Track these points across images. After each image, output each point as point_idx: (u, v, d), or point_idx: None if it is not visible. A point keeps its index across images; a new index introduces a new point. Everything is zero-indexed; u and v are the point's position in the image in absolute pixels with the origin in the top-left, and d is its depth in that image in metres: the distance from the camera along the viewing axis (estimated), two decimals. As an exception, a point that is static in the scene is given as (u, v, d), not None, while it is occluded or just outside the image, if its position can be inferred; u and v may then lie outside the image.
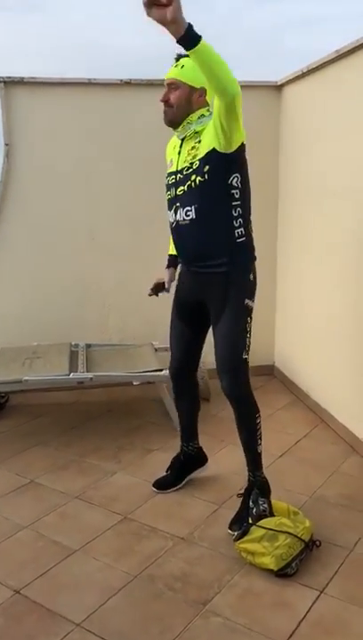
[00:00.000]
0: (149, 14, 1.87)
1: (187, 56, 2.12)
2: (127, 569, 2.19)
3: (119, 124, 3.83)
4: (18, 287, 3.91)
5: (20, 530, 2.45)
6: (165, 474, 2.81)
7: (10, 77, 3.61)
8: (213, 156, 2.21)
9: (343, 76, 3.07)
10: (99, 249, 3.97)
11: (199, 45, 1.91)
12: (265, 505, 2.32)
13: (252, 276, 2.38)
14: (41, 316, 3.95)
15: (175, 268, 2.71)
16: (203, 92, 2.31)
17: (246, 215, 2.33)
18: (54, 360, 3.43)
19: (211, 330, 2.47)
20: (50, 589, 2.09)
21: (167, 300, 4.03)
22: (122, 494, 2.73)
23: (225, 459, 3.02)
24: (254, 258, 2.41)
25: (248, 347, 2.38)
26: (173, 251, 2.65)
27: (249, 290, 2.37)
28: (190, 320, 2.58)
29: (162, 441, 3.25)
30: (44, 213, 3.85)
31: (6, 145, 3.71)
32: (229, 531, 2.40)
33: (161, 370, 3.31)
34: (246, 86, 3.74)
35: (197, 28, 1.92)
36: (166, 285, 2.73)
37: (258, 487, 2.44)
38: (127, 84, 3.76)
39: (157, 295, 2.78)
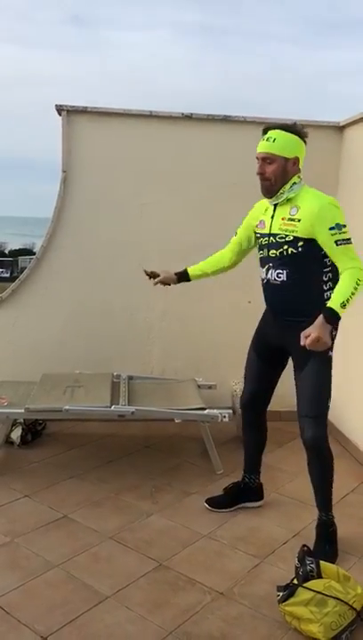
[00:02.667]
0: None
1: (274, 129, 2.41)
2: (161, 623, 2.05)
3: (176, 156, 3.82)
4: (64, 313, 3.88)
5: (51, 569, 2.33)
6: (220, 493, 2.87)
7: (73, 106, 3.65)
8: (309, 239, 2.37)
9: None
10: (148, 280, 3.90)
11: (342, 313, 2.29)
12: (313, 565, 2.15)
13: (335, 332, 2.42)
14: (84, 344, 3.89)
15: (180, 280, 2.88)
16: (296, 160, 2.44)
17: (335, 277, 2.40)
18: (96, 390, 3.35)
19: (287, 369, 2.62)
20: (78, 639, 1.96)
21: (212, 337, 3.97)
22: (158, 538, 2.59)
23: (269, 511, 2.87)
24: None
25: (330, 396, 2.51)
26: (191, 268, 2.87)
27: (332, 342, 2.42)
28: (269, 358, 2.69)
29: (201, 484, 3.10)
30: (95, 241, 3.84)
31: (64, 172, 3.73)
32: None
33: (204, 409, 3.19)
34: (307, 126, 3.74)
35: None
36: (161, 277, 2.87)
37: (330, 527, 2.53)
38: (188, 117, 3.75)
39: (148, 276, 2.91)
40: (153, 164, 3.82)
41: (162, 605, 2.14)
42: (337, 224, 2.31)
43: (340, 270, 2.34)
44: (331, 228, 2.31)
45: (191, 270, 2.87)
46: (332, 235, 2.31)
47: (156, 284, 2.90)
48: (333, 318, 2.28)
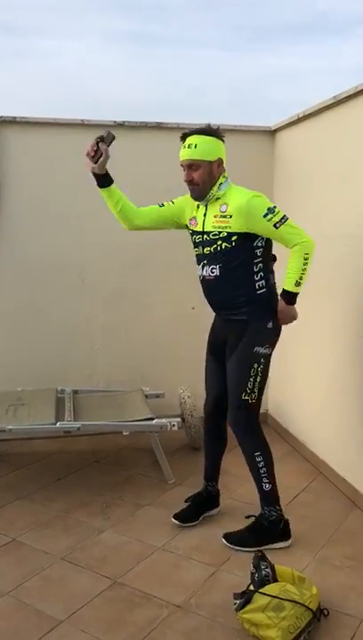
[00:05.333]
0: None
1: (191, 135, 2.44)
2: (118, 643, 1.99)
3: (111, 165, 3.76)
4: (2, 328, 3.76)
5: (0, 597, 2.23)
6: (184, 506, 2.83)
7: (1, 117, 3.55)
8: (243, 233, 2.44)
9: (338, 123, 3.05)
10: (88, 290, 3.85)
11: (300, 289, 2.47)
12: (268, 569, 2.14)
13: (271, 324, 2.55)
14: (26, 359, 3.78)
15: (102, 179, 2.61)
16: (220, 161, 2.48)
17: (266, 268, 2.53)
18: (40, 407, 3.25)
19: None
20: (33, 669, 1.88)
21: (157, 345, 3.93)
22: (111, 555, 2.53)
23: (222, 517, 2.85)
24: (276, 306, 2.55)
25: (251, 390, 2.52)
26: (114, 191, 2.64)
27: (263, 337, 2.54)
28: (221, 357, 2.67)
29: (153, 495, 3.06)
30: (33, 253, 3.74)
31: (-4, 184, 3.62)
32: (223, 539, 2.58)
33: (152, 419, 3.16)
34: (240, 131, 3.78)
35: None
36: (101, 159, 2.54)
37: (263, 521, 2.59)
38: (121, 125, 3.71)
39: (97, 162, 2.55)
40: (88, 174, 3.75)
41: (118, 625, 2.08)
42: (268, 208, 2.40)
43: (290, 249, 2.46)
44: (264, 215, 2.39)
45: (115, 189, 2.65)
46: (268, 220, 2.39)
47: (92, 156, 2.57)
48: (290, 298, 2.48)
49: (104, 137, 2.55)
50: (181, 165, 2.49)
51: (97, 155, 2.55)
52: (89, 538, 2.66)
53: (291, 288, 2.46)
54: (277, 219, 2.40)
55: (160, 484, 3.18)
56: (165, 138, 3.76)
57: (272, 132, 3.90)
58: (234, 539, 2.58)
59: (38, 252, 3.74)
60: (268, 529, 2.58)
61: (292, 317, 2.55)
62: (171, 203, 2.69)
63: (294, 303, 2.52)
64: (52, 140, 3.68)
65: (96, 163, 2.56)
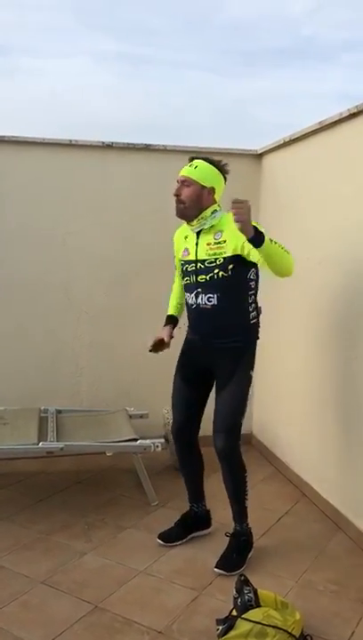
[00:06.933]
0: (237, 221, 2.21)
1: (199, 158, 2.55)
2: (98, 670, 1.95)
3: (97, 185, 3.79)
4: (-14, 348, 3.73)
5: (-22, 623, 2.19)
6: (171, 526, 2.83)
7: (-13, 135, 3.56)
8: (237, 258, 2.46)
9: (323, 148, 3.10)
10: (73, 309, 3.84)
11: (263, 246, 2.22)
12: (251, 594, 2.12)
13: (255, 350, 2.65)
14: (9, 378, 3.75)
15: (173, 326, 2.85)
16: (212, 190, 2.53)
17: (256, 299, 2.61)
18: (22, 427, 3.22)
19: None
20: None
21: (142, 365, 3.91)
22: (92, 579, 2.49)
23: (205, 540, 2.82)
24: (258, 335, 2.66)
25: (244, 411, 2.59)
26: (172, 311, 2.89)
27: (253, 362, 2.62)
28: (195, 382, 2.72)
29: (136, 517, 3.03)
30: (18, 272, 3.73)
31: (-18, 202, 3.61)
32: (216, 569, 2.53)
33: (136, 439, 3.13)
34: (227, 154, 3.82)
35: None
36: (166, 340, 2.77)
37: (242, 537, 2.65)
38: (109, 146, 3.74)
39: (157, 352, 2.80)
40: (75, 193, 3.77)
41: (98, 651, 2.05)
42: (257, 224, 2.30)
43: None
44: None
45: (173, 311, 2.89)
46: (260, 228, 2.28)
47: (168, 345, 2.78)
48: (258, 233, 2.21)
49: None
50: (177, 181, 2.56)
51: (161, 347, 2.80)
52: (70, 561, 2.62)
53: (264, 235, 2.23)
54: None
55: (143, 506, 3.15)
56: (152, 160, 3.80)
57: (259, 156, 3.95)
58: (229, 565, 2.55)
59: (24, 270, 3.73)
60: (246, 542, 2.65)
61: (245, 219, 2.19)
62: (175, 259, 2.79)
63: (256, 239, 2.22)
64: (39, 159, 3.69)
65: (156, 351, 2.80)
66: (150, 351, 2.79)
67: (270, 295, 3.83)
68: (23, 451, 3.07)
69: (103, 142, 3.73)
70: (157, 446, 3.13)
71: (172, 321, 2.86)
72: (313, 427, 3.25)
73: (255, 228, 2.22)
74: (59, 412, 3.60)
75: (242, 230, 2.21)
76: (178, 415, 2.76)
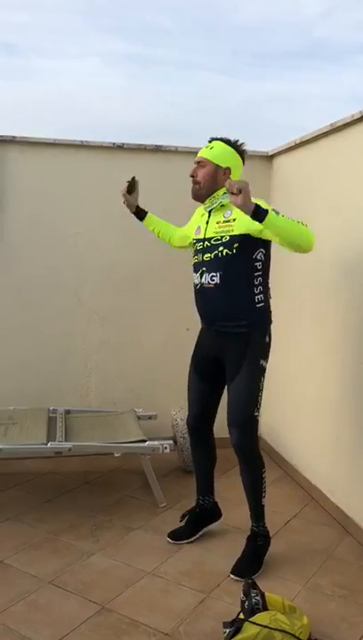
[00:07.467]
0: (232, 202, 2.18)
1: (218, 139, 2.56)
2: (105, 671, 1.95)
3: (109, 186, 3.79)
4: (-4, 347, 3.74)
5: (-15, 622, 2.19)
6: (179, 525, 2.82)
7: (1, 136, 3.58)
8: (245, 237, 2.43)
9: (335, 149, 3.09)
10: (83, 310, 3.85)
11: (266, 220, 2.16)
12: (258, 597, 2.11)
13: (267, 338, 2.56)
14: (19, 378, 3.76)
15: (136, 212, 2.96)
16: (228, 170, 2.53)
17: (265, 283, 2.54)
18: (31, 427, 3.23)
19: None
20: None
21: (151, 366, 3.92)
22: (100, 579, 2.49)
23: (213, 542, 2.81)
24: (271, 321, 2.59)
25: (259, 405, 2.54)
26: (151, 219, 2.97)
27: (264, 351, 2.55)
28: (209, 375, 2.70)
29: (144, 518, 3.03)
30: (29, 272, 3.74)
31: (-7, 202, 3.63)
32: (232, 575, 2.49)
33: (144, 441, 3.13)
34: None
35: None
36: (128, 198, 2.92)
37: (260, 538, 2.61)
38: (119, 147, 3.75)
39: (130, 194, 2.92)
40: (86, 194, 3.78)
41: (105, 652, 2.05)
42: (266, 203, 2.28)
43: None
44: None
45: (150, 217, 2.97)
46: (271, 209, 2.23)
47: (124, 194, 2.92)
48: (260, 208, 2.16)
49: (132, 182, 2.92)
50: (195, 162, 2.58)
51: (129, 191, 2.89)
52: (78, 561, 2.62)
53: (268, 209, 2.17)
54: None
55: (151, 508, 3.14)
56: (163, 160, 3.81)
57: (269, 157, 3.94)
58: (245, 571, 2.47)
59: (35, 270, 3.75)
60: (263, 545, 2.62)
61: (243, 196, 2.13)
62: (187, 226, 2.83)
63: (258, 215, 2.16)
64: (50, 160, 3.70)
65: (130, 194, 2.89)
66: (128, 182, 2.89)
67: (280, 296, 3.83)
68: (32, 451, 3.07)
69: (114, 143, 3.74)
70: (166, 448, 3.12)
71: (142, 213, 2.96)
72: (322, 430, 3.23)
73: (257, 205, 2.16)
74: (67, 412, 3.60)
75: (242, 211, 2.19)
76: (193, 409, 2.77)
